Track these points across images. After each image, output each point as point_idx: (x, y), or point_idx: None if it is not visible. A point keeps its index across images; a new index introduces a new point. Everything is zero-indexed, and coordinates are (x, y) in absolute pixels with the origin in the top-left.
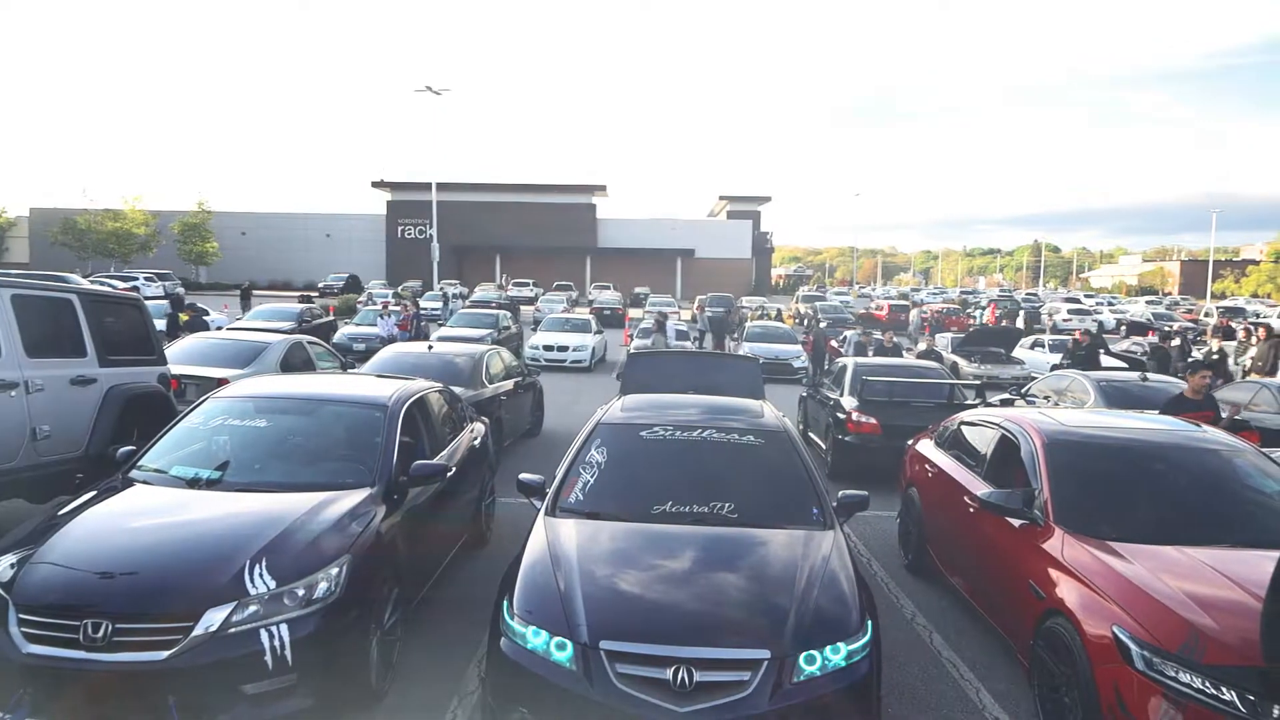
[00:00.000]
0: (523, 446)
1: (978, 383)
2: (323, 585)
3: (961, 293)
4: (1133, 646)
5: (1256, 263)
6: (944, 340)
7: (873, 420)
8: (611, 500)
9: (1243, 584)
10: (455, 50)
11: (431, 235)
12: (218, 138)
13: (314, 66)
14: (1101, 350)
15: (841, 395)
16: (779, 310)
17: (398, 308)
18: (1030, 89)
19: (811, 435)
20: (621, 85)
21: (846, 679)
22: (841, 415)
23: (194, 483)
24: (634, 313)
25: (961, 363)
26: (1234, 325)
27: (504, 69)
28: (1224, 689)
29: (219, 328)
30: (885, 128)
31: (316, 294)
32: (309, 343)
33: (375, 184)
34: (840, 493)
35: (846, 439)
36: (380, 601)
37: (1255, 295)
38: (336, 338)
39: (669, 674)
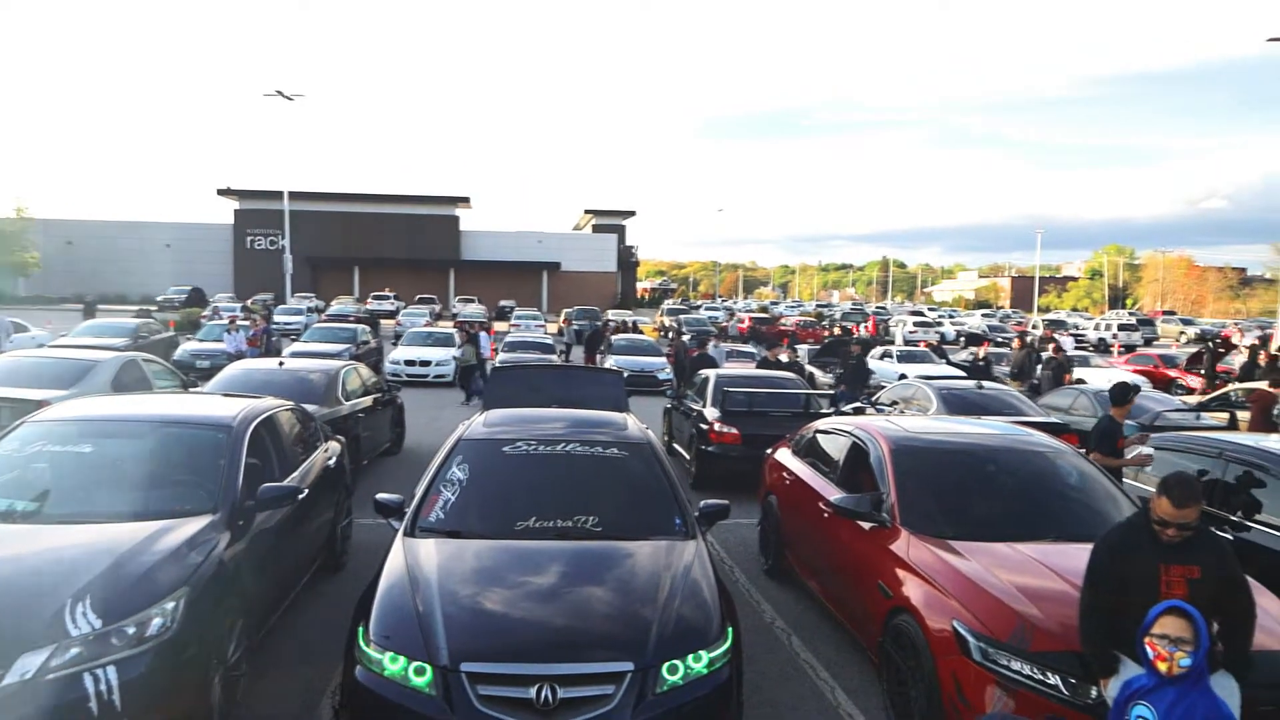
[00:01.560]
0: (382, 465)
1: (832, 392)
2: (156, 621)
3: (817, 306)
4: (970, 639)
5: (1075, 279)
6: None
7: (734, 430)
8: (473, 518)
9: (1064, 575)
10: (311, 56)
11: (284, 246)
12: (44, 141)
13: (156, 68)
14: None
15: (704, 406)
16: (634, 322)
17: (246, 322)
18: (881, 110)
19: (676, 446)
20: (486, 97)
21: (708, 685)
22: (704, 426)
23: (6, 516)
24: (499, 326)
25: (817, 373)
26: (1056, 337)
27: (364, 78)
28: (1049, 674)
29: (40, 345)
30: (746, 145)
31: (154, 308)
32: (145, 360)
33: (221, 192)
34: (702, 502)
35: (709, 449)
36: (222, 636)
37: (1075, 309)
38: (178, 354)
39: (532, 693)
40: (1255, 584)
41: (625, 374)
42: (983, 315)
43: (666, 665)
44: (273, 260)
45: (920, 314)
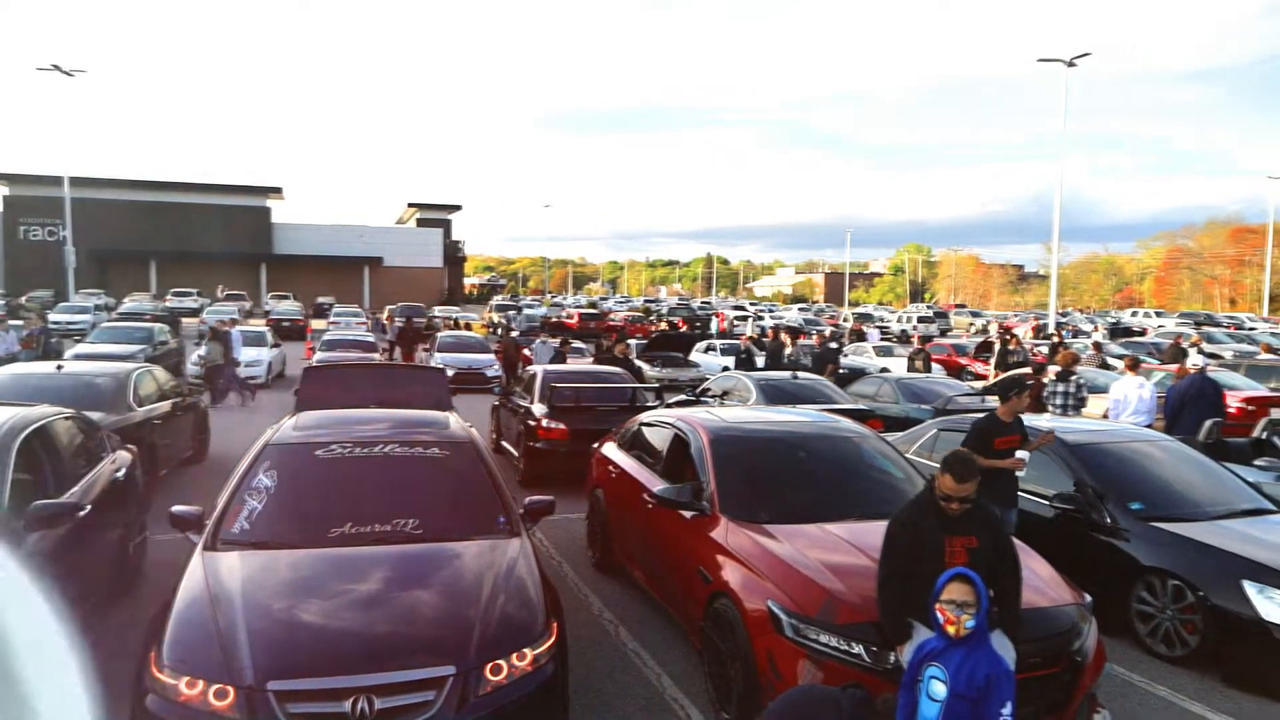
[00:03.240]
0: (184, 475)
1: (657, 385)
2: None
3: (645, 301)
4: (783, 617)
5: (881, 275)
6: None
7: (561, 426)
8: (283, 527)
9: (866, 551)
10: (103, 32)
11: (65, 237)
12: None
13: None
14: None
15: (531, 403)
16: (457, 320)
17: (18, 322)
18: (707, 110)
19: (505, 444)
20: (303, 82)
21: (533, 682)
22: (532, 423)
23: None
24: (317, 324)
25: (645, 367)
26: (864, 329)
27: (167, 58)
28: (853, 644)
29: None
30: (576, 141)
31: None
32: None
33: None
34: (527, 499)
35: (537, 445)
36: None
37: (881, 303)
38: None
39: (347, 706)
40: (1024, 547)
41: (451, 371)
42: (799, 309)
43: (490, 665)
44: (52, 253)
45: (742, 309)
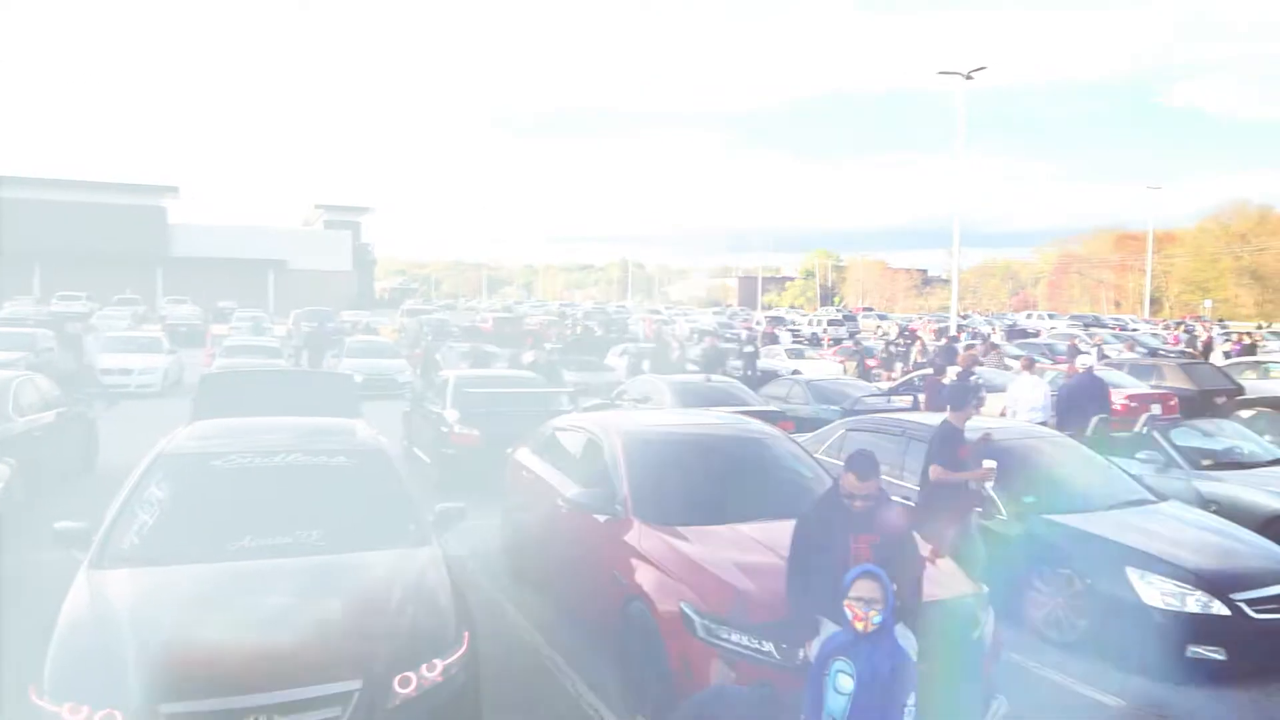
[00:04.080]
0: (71, 489)
1: (572, 389)
2: None
3: (561, 305)
4: (695, 618)
5: (793, 279)
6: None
7: (475, 431)
8: (177, 542)
9: (776, 550)
10: None
11: None
12: None
13: None
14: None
15: (444, 409)
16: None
17: None
18: (613, 113)
19: (417, 451)
20: (200, 79)
21: (444, 694)
22: (445, 429)
23: None
24: (217, 329)
25: (563, 371)
26: (776, 332)
27: (49, 53)
28: (764, 642)
29: None
30: (491, 142)
31: None
32: None
33: None
34: (438, 506)
35: (450, 452)
36: None
37: (793, 306)
38: None
39: None
40: (925, 542)
41: (359, 378)
42: (714, 313)
43: (398, 678)
44: None
45: (658, 312)
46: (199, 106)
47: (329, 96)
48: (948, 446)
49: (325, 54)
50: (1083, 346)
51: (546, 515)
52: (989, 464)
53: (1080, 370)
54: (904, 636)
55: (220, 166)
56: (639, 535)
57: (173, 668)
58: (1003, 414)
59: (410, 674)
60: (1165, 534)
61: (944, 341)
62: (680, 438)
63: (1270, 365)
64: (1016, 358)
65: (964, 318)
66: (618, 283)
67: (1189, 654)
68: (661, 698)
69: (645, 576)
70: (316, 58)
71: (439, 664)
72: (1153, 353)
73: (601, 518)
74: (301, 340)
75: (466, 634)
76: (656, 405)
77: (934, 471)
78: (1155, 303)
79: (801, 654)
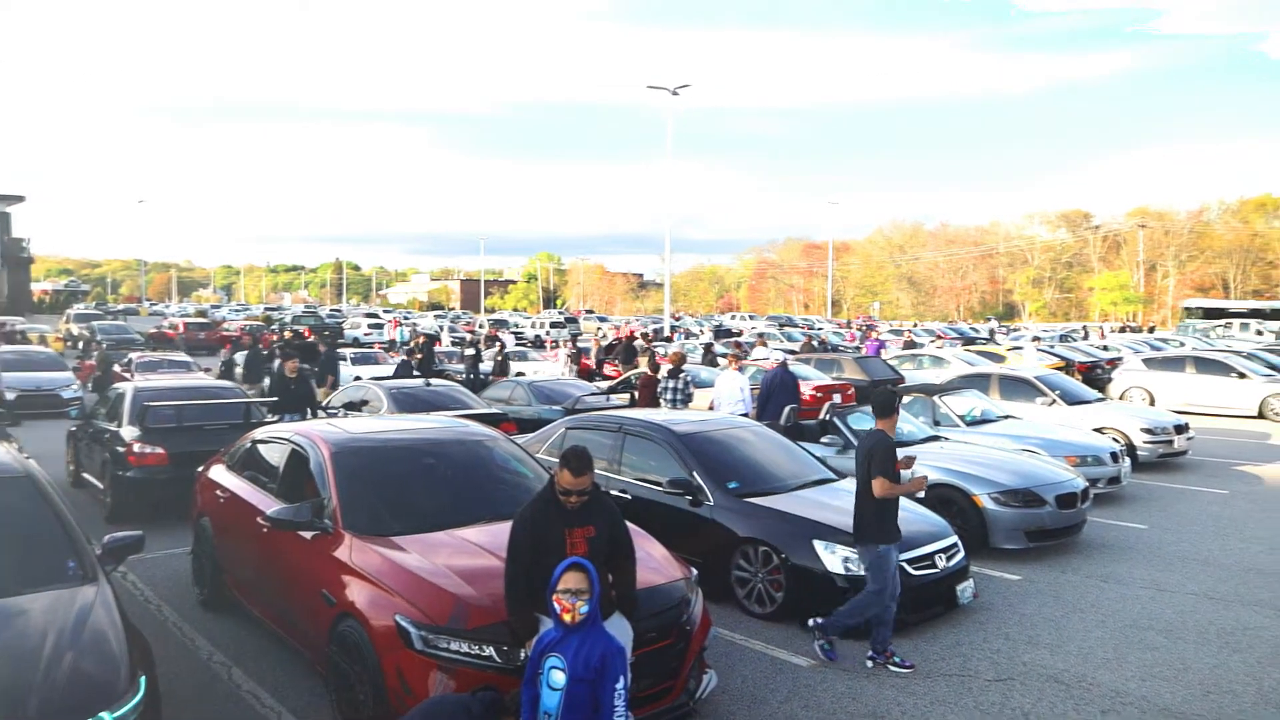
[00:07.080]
0: None
1: (273, 399)
2: None
3: (266, 309)
4: (412, 630)
5: (515, 282)
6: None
7: (159, 450)
8: None
9: (497, 553)
10: None
11: None
12: None
13: None
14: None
15: (121, 426)
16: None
17: None
18: (335, 109)
19: (86, 475)
20: None
21: None
22: (121, 448)
23: None
24: None
25: (269, 380)
26: (499, 335)
27: None
28: (484, 646)
29: None
30: (178, 132)
31: None
32: None
33: None
34: (106, 537)
35: (129, 474)
36: None
37: (516, 309)
38: None
39: None
40: (638, 530)
41: (11, 394)
42: (435, 316)
43: None
44: None
45: (375, 315)
46: None
47: None
48: (890, 457)
49: None
50: (770, 343)
51: (244, 537)
52: (922, 473)
53: (774, 365)
54: (618, 626)
55: None
56: (350, 550)
57: None
58: (710, 407)
59: None
60: (845, 507)
61: (624, 341)
62: (395, 445)
63: (924, 359)
64: (724, 355)
65: (677, 319)
66: (332, 284)
67: None
68: (377, 715)
69: (358, 592)
70: None
71: (106, 717)
72: (832, 348)
73: (308, 534)
74: None
75: (143, 678)
76: (373, 412)
77: (879, 486)
78: (835, 304)
79: (523, 654)
